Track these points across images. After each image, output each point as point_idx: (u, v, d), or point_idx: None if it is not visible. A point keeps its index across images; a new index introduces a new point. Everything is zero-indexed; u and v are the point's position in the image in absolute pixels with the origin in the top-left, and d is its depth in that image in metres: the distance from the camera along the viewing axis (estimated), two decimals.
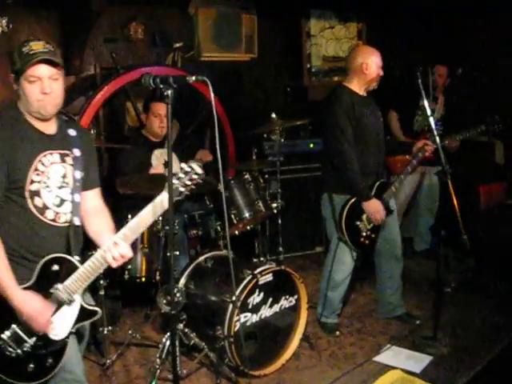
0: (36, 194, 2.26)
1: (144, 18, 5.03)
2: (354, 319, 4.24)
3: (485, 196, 4.92)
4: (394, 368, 3.47)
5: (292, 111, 5.68)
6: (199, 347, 3.38)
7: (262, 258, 3.82)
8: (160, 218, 3.61)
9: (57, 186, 2.33)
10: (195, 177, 2.34)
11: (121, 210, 3.64)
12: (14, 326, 2.19)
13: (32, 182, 2.25)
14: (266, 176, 4.50)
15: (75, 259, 2.31)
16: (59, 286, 2.25)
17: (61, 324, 2.28)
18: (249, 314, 3.36)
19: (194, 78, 2.13)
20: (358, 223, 3.74)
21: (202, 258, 3.66)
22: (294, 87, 6.19)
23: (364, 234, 3.76)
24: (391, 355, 3.66)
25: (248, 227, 3.99)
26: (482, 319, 4.12)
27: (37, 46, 2.20)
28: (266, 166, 4.68)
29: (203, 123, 5.20)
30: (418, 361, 3.56)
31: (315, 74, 6.35)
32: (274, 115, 4.03)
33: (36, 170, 2.26)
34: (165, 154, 4.16)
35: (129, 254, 2.30)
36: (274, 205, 3.97)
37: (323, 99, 6.10)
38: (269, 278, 3.45)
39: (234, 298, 3.22)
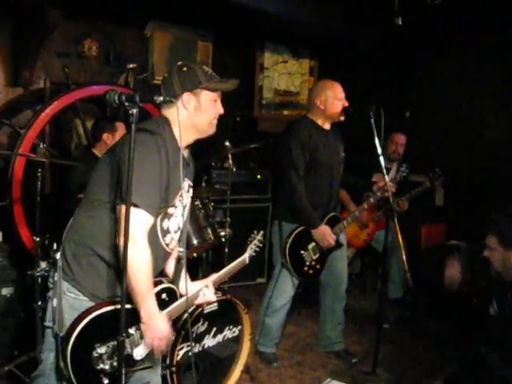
0: (168, 216, 2.31)
1: (99, 35, 4.98)
2: (294, 352, 4.23)
3: (425, 236, 5.06)
4: None
5: (241, 142, 5.69)
6: None
7: None
8: None
9: (181, 213, 2.39)
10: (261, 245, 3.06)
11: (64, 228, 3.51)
12: (111, 342, 2.18)
13: (173, 205, 2.31)
14: (212, 204, 4.46)
15: (177, 290, 2.44)
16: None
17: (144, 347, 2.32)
18: (192, 344, 3.28)
19: (161, 98, 2.08)
20: (303, 252, 3.77)
21: None
22: (244, 118, 6.23)
23: (308, 263, 3.80)
24: None
25: (194, 254, 3.93)
26: (418, 355, 4.21)
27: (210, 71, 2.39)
28: (216, 194, 4.65)
29: None
30: None
31: (266, 106, 6.43)
32: (227, 143, 4.02)
33: (181, 196, 2.33)
34: None
35: (213, 298, 2.67)
36: (222, 233, 3.93)
37: (273, 131, 6.26)
38: (214, 307, 3.39)
39: (177, 327, 3.14)
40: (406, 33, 5.39)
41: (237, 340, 3.57)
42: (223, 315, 3.45)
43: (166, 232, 2.33)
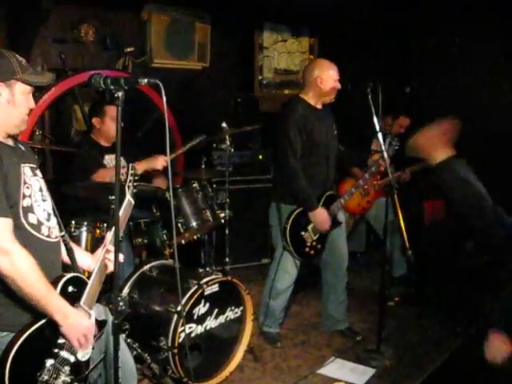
0: (29, 210, 2.12)
1: (95, 19, 4.95)
2: (298, 331, 4.24)
3: (429, 212, 5.04)
4: (337, 381, 3.49)
5: (242, 122, 5.67)
6: (142, 358, 3.28)
7: (207, 268, 3.77)
8: (105, 224, 3.52)
9: (41, 199, 2.21)
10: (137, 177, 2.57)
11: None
12: (48, 363, 2.05)
13: (24, 196, 2.10)
14: (214, 186, 4.46)
15: (82, 276, 2.26)
16: (79, 306, 2.17)
17: None
18: (194, 325, 3.29)
19: (146, 80, 2.06)
20: (303, 233, 3.76)
21: (146, 267, 3.57)
22: (244, 98, 6.19)
23: (309, 244, 3.79)
24: (335, 368, 3.67)
25: (195, 236, 3.93)
26: (423, 333, 4.20)
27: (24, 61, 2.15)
28: (215, 176, 4.64)
29: (152, 130, 5.13)
30: (362, 373, 3.59)
31: (266, 86, 6.39)
32: (224, 124, 4.00)
33: (25, 182, 2.13)
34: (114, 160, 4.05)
35: (122, 256, 2.31)
36: (222, 215, 3.92)
37: (274, 111, 6.22)
38: (215, 288, 3.40)
39: (179, 309, 3.16)
40: (406, 8, 5.34)
41: (239, 321, 3.59)
42: (224, 296, 3.47)
43: (38, 226, 2.16)
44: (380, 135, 3.62)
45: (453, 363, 3.63)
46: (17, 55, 2.14)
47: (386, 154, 3.60)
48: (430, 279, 4.81)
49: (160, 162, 3.95)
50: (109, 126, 3.98)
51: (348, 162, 4.51)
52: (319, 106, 3.83)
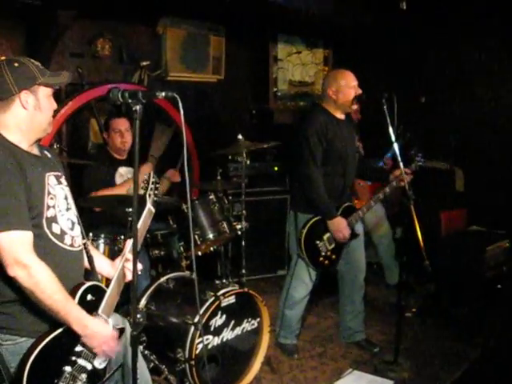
0: (53, 220, 2.14)
1: (112, 34, 5.01)
2: (315, 343, 4.22)
3: (446, 222, 5.00)
4: None
5: (257, 134, 5.70)
6: (159, 370, 3.28)
7: (224, 280, 3.78)
8: (122, 237, 3.54)
9: (65, 208, 2.23)
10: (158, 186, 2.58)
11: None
12: (65, 370, 2.06)
13: (48, 207, 2.12)
14: (230, 197, 4.47)
15: (100, 284, 2.28)
16: (98, 314, 2.18)
17: None
18: (210, 337, 3.29)
19: (163, 93, 2.08)
20: (318, 242, 3.74)
21: (163, 279, 3.58)
22: (259, 110, 6.22)
23: (323, 253, 3.77)
24: (353, 379, 3.64)
25: (211, 248, 3.95)
26: (441, 344, 4.16)
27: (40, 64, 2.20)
28: (231, 187, 4.65)
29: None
30: None
31: (281, 97, 6.41)
32: (240, 136, 4.01)
33: (49, 193, 2.15)
34: (129, 172, 4.09)
35: (141, 265, 2.30)
36: (239, 226, 3.92)
37: (289, 123, 6.25)
38: (231, 300, 3.40)
39: (196, 320, 3.16)
40: (420, 18, 5.34)
41: (256, 332, 3.58)
42: (241, 308, 3.47)
43: (61, 235, 2.17)
44: (396, 145, 3.61)
45: (472, 374, 3.59)
46: (32, 60, 2.18)
47: (402, 166, 3.58)
48: (447, 290, 4.77)
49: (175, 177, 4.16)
50: (113, 138, 4.11)
51: (367, 177, 4.50)
52: (340, 116, 3.82)
